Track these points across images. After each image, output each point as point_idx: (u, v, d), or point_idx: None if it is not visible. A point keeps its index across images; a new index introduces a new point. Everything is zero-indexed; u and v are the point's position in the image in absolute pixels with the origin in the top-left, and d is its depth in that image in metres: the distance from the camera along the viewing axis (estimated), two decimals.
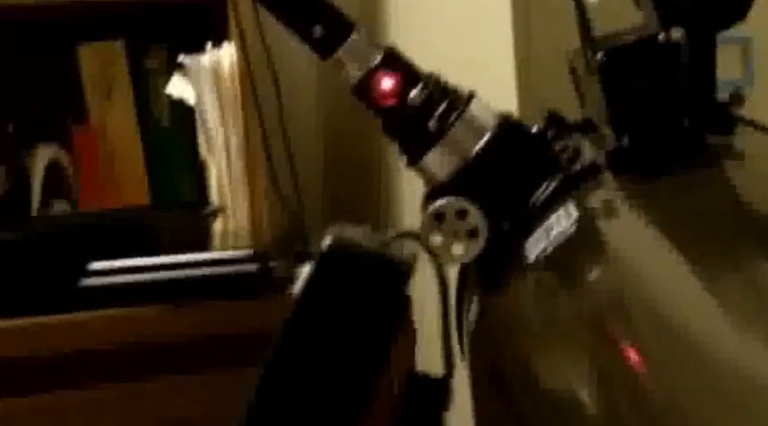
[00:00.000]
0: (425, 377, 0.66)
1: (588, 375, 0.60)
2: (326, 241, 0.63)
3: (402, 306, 0.63)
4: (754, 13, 0.72)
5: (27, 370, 1.43)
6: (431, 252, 0.68)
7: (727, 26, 0.71)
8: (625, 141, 0.69)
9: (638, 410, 0.54)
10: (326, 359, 0.62)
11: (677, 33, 0.69)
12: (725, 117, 0.72)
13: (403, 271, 0.62)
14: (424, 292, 0.65)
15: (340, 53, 0.76)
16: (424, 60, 0.78)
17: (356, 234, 0.63)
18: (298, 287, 0.62)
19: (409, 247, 0.66)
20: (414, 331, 0.69)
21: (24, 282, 1.44)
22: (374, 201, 2.07)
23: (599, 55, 0.69)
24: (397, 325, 0.63)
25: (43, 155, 1.92)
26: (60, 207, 1.90)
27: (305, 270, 0.63)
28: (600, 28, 0.72)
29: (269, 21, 1.77)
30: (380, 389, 0.62)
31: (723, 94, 0.73)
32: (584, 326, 0.62)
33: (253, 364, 1.38)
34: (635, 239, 0.66)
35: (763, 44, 1.29)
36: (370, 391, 0.62)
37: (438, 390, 0.66)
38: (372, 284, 0.62)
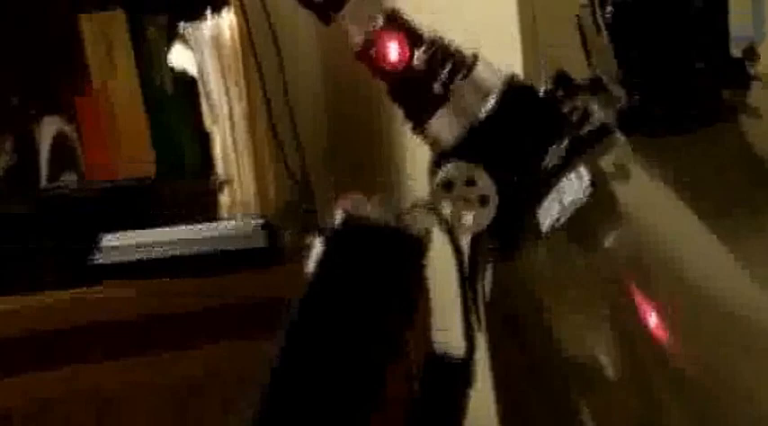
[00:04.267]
0: (445, 358, 0.64)
1: (610, 336, 0.59)
2: (338, 217, 0.60)
3: (419, 281, 0.60)
4: None
5: (40, 345, 1.42)
6: (444, 221, 0.66)
7: None
8: (636, 99, 0.67)
9: (662, 368, 0.53)
10: (342, 338, 0.59)
11: None
12: (739, 72, 0.70)
13: (419, 245, 0.60)
14: (435, 264, 0.63)
15: (342, 17, 0.74)
16: (426, 21, 0.77)
17: (368, 207, 0.60)
18: (310, 264, 0.60)
19: (421, 219, 0.64)
20: (428, 304, 0.67)
21: (36, 256, 1.44)
22: (380, 166, 2.06)
23: (608, 9, 0.67)
24: (414, 301, 0.60)
25: (49, 127, 1.91)
26: (69, 178, 1.90)
27: (317, 247, 0.60)
28: None
29: None
30: (397, 368, 0.60)
31: (736, 49, 0.71)
32: (605, 288, 0.61)
33: (262, 334, 1.38)
34: (651, 200, 0.64)
35: None
36: (386, 370, 0.59)
37: (460, 370, 0.64)
38: (388, 259, 0.59)
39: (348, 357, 0.59)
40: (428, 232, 0.60)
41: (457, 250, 0.65)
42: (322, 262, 0.59)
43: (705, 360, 0.52)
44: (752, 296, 0.53)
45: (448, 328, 0.72)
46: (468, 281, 0.68)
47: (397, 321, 0.59)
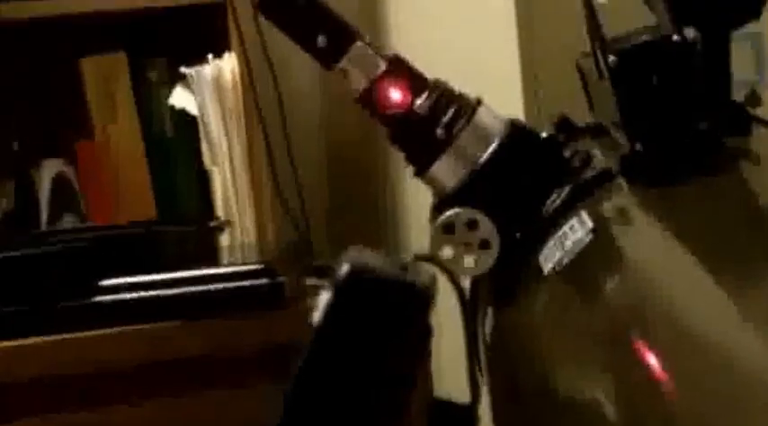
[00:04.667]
0: (451, 405, 0.63)
1: (611, 388, 0.58)
2: (344, 268, 0.59)
3: (425, 332, 0.60)
4: (765, 8, 0.70)
5: (40, 390, 1.42)
6: (448, 272, 0.66)
7: (742, 24, 0.70)
8: (639, 146, 0.67)
9: (660, 419, 0.53)
10: (350, 390, 0.59)
11: (691, 33, 0.67)
12: (741, 118, 0.70)
13: (425, 297, 0.59)
14: (437, 309, 0.63)
15: (344, 62, 0.74)
16: (427, 62, 0.77)
17: (373, 259, 0.60)
18: (317, 316, 0.59)
19: (426, 269, 0.64)
20: (430, 356, 0.67)
21: (36, 299, 1.44)
22: (379, 210, 2.06)
23: (611, 57, 0.67)
24: (421, 353, 0.60)
25: (49, 170, 1.91)
26: (69, 220, 1.90)
27: (324, 299, 0.59)
28: (609, 29, 0.69)
29: (270, 30, 1.76)
30: (405, 419, 0.59)
31: (738, 94, 0.71)
32: (605, 339, 0.60)
33: (265, 378, 1.37)
34: (652, 249, 0.64)
35: None
36: (396, 422, 0.59)
37: (464, 418, 0.64)
38: (395, 311, 0.59)
39: (357, 408, 0.59)
40: (433, 282, 0.60)
41: (460, 295, 0.64)
42: (328, 313, 0.59)
43: (704, 413, 0.51)
44: (754, 350, 0.53)
45: (450, 373, 0.72)
46: (470, 326, 0.68)
47: (404, 371, 0.59)
